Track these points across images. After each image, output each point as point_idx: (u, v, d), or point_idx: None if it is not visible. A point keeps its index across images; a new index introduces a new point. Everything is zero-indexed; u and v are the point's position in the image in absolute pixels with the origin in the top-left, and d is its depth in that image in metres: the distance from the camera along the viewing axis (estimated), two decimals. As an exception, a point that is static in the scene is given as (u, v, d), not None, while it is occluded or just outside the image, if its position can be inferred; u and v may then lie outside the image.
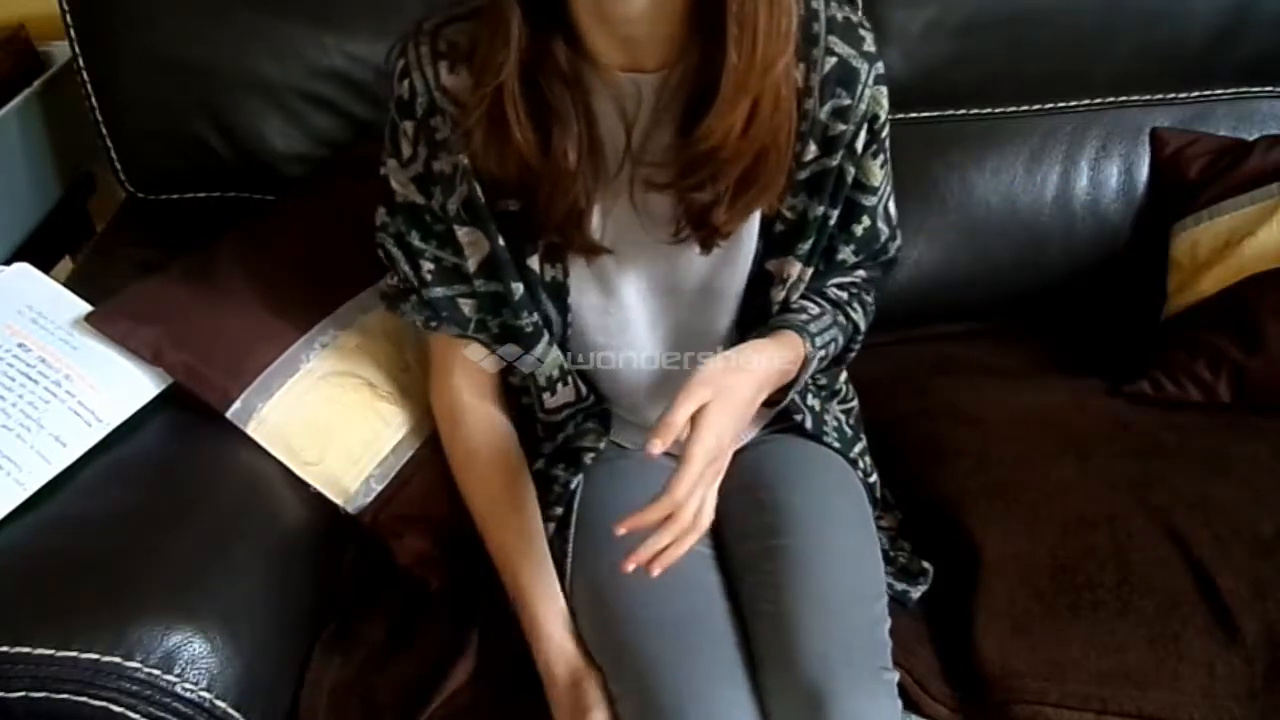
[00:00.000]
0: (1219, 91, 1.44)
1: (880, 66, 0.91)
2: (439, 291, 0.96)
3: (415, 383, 1.10)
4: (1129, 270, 1.41)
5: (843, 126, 0.90)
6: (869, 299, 1.04)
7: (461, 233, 0.93)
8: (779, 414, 1.09)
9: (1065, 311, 1.43)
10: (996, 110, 1.41)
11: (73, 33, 1.26)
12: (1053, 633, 0.96)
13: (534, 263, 0.94)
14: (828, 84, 0.88)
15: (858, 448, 1.10)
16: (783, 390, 0.95)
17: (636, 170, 0.89)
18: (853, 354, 1.04)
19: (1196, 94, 1.43)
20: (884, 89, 0.91)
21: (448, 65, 0.87)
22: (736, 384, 0.86)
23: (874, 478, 1.10)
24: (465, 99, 0.85)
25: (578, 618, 0.95)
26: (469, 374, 1.01)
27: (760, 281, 0.98)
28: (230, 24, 1.27)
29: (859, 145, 0.92)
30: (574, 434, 1.05)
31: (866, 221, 0.97)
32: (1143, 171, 1.42)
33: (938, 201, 1.39)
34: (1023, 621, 0.97)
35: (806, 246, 0.95)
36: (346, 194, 1.22)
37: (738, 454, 1.07)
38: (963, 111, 1.41)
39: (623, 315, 0.98)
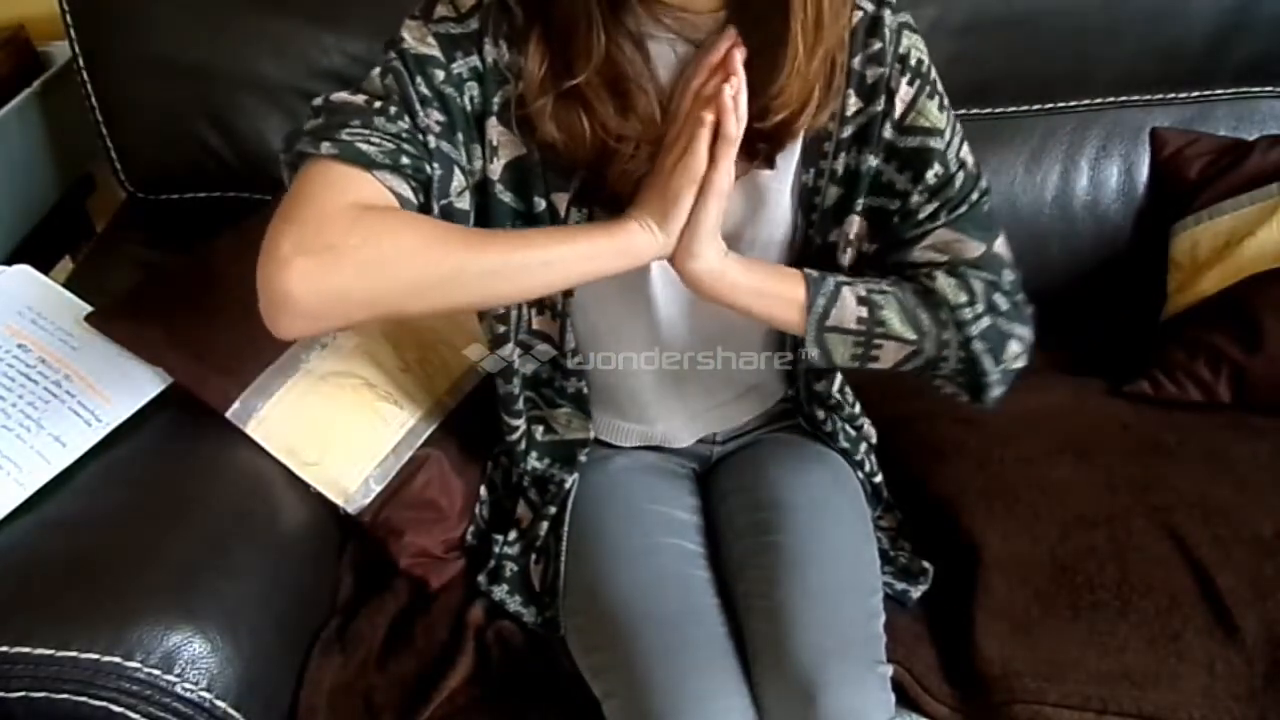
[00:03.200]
0: (1219, 91, 1.44)
1: (905, 15, 0.90)
2: (444, 146, 0.82)
3: (415, 383, 1.10)
4: (1129, 270, 1.41)
5: (879, 69, 0.87)
6: (968, 273, 0.91)
7: (495, 130, 0.85)
8: (781, 413, 1.09)
9: (1065, 311, 1.43)
10: (996, 110, 1.41)
11: (73, 33, 1.26)
12: (1053, 633, 0.96)
13: (559, 201, 0.88)
14: (856, 35, 0.87)
15: (863, 446, 1.10)
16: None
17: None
18: (978, 343, 0.89)
19: (1196, 94, 1.43)
20: (913, 34, 0.89)
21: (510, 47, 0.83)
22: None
23: (879, 477, 1.10)
24: (526, 84, 0.82)
25: (570, 616, 0.96)
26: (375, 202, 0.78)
27: (825, 254, 0.93)
28: (230, 24, 1.27)
29: (902, 93, 0.88)
30: (557, 414, 1.03)
31: (938, 167, 0.89)
32: (1143, 171, 1.42)
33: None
34: (1023, 621, 0.97)
35: (863, 201, 0.91)
36: (346, 194, 1.22)
37: (737, 453, 1.08)
38: (962, 111, 1.39)
39: (642, 274, 0.92)
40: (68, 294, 1.05)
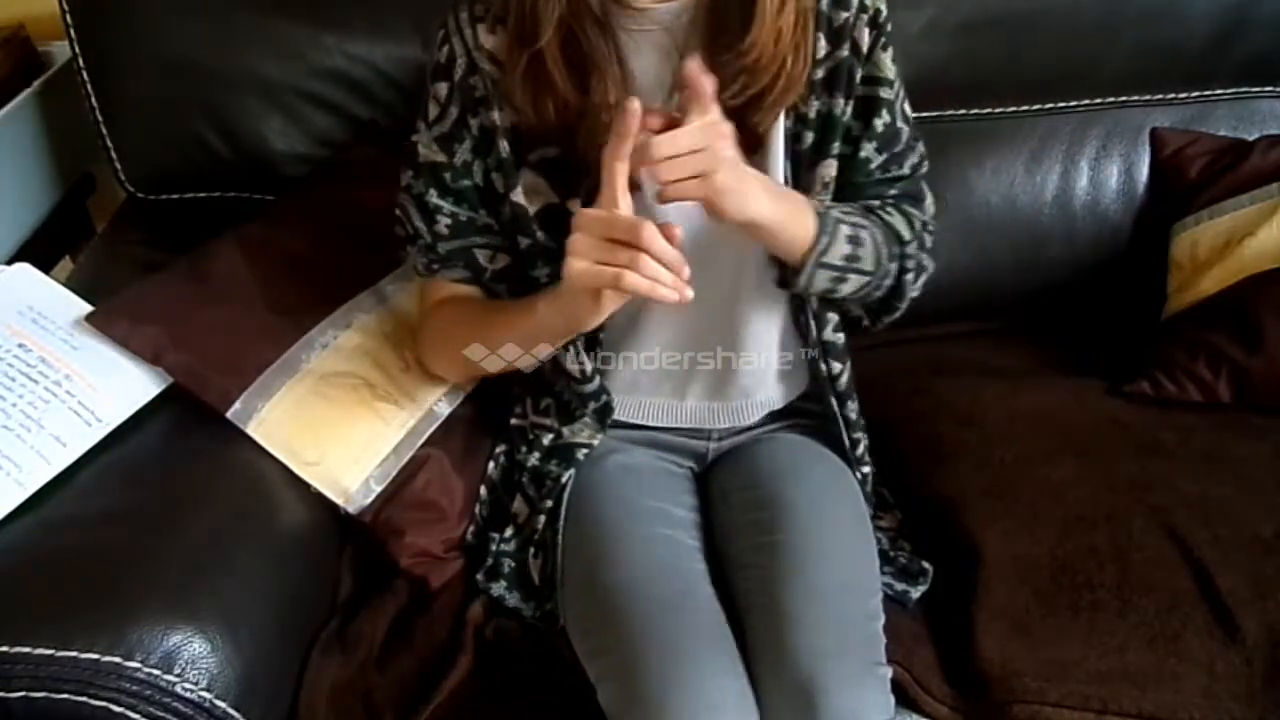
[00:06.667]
0: (1219, 91, 1.44)
1: None
2: (454, 244, 1.00)
3: (415, 383, 1.10)
4: (1129, 270, 1.41)
5: (845, 15, 0.92)
6: (912, 210, 1.00)
7: (526, 178, 0.96)
8: (786, 409, 1.09)
9: (1065, 311, 1.43)
10: (996, 110, 1.41)
11: (73, 33, 1.26)
12: (1053, 632, 0.96)
13: (575, 207, 0.93)
14: None
15: (862, 445, 1.10)
16: (802, 265, 0.91)
17: (674, 95, 0.90)
18: (910, 274, 0.99)
19: (1196, 94, 1.43)
20: None
21: (485, 27, 0.93)
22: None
23: (867, 468, 1.10)
24: (503, 57, 0.90)
25: (568, 606, 0.96)
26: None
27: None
28: (230, 24, 1.27)
29: (864, 41, 0.93)
30: (572, 413, 1.05)
31: (886, 116, 0.96)
32: (1143, 171, 1.42)
33: (938, 201, 1.38)
34: (1023, 621, 0.97)
35: (837, 146, 0.96)
36: (346, 194, 1.23)
37: (735, 452, 1.08)
38: (963, 111, 1.41)
39: None
40: (68, 294, 1.05)
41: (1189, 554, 1.01)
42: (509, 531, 1.05)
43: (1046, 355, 1.37)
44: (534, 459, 1.06)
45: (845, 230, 0.91)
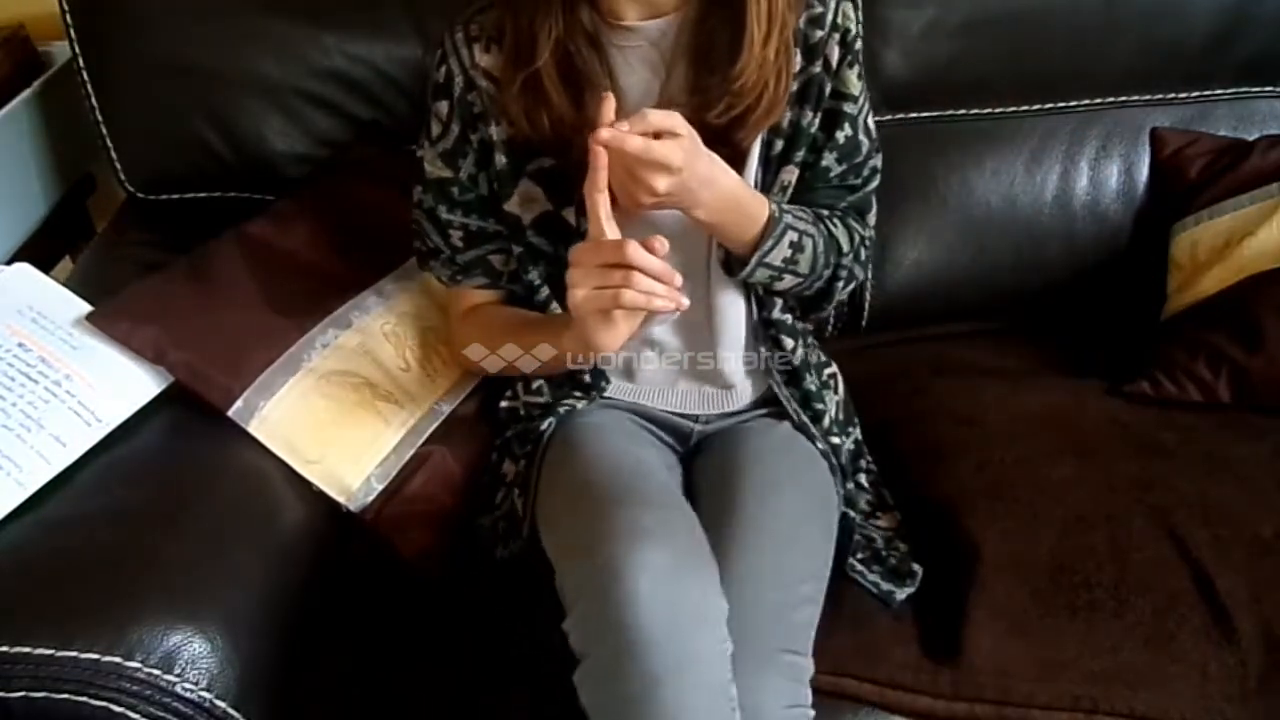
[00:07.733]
0: (1219, 91, 1.44)
1: None
2: (471, 254, 1.06)
3: (415, 382, 1.10)
4: (1129, 270, 1.41)
5: (819, 33, 0.98)
6: (855, 224, 1.06)
7: (524, 185, 1.01)
8: (772, 396, 1.09)
9: (1065, 311, 1.43)
10: (996, 110, 1.41)
11: (73, 33, 1.26)
12: (1049, 632, 0.96)
13: (569, 215, 0.99)
14: None
15: (827, 417, 1.10)
16: (748, 255, 0.96)
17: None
18: (841, 282, 1.04)
19: (1196, 94, 1.43)
20: (848, 2, 1.00)
21: (481, 47, 0.97)
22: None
23: (836, 439, 1.10)
24: (499, 75, 0.95)
25: (540, 506, 0.98)
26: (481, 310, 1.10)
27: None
28: (230, 24, 1.27)
29: (833, 58, 0.98)
30: (568, 393, 1.07)
31: (848, 130, 1.01)
32: (1143, 171, 1.42)
33: (938, 201, 1.39)
34: (1019, 621, 0.97)
35: (801, 154, 1.01)
36: (346, 194, 1.23)
37: (719, 448, 1.07)
38: (962, 111, 1.41)
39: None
40: (68, 293, 1.05)
41: (1188, 554, 1.01)
42: (500, 495, 1.07)
43: (1046, 355, 1.37)
44: (520, 427, 1.08)
45: (790, 236, 0.97)
